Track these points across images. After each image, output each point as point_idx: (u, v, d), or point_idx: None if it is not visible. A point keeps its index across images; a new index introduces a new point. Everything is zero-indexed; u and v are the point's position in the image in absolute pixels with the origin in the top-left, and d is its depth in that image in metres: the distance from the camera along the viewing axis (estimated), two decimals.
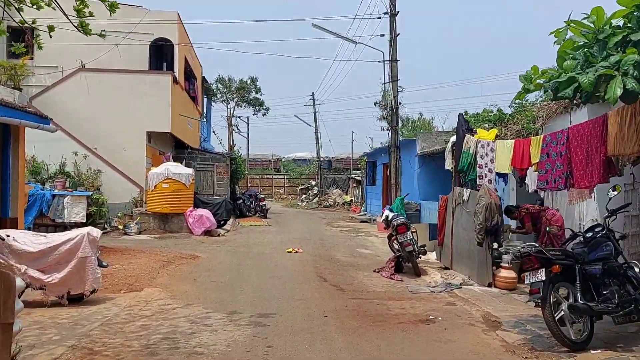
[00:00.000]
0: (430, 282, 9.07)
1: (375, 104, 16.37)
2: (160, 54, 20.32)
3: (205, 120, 30.19)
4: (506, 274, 8.32)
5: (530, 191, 8.98)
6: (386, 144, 32.72)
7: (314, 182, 41.43)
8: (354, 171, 43.33)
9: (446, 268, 9.91)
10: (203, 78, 26.83)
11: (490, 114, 11.86)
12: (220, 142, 29.46)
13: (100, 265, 7.27)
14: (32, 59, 17.24)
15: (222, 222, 18.06)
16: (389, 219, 10.51)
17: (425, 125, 35.63)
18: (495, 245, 8.71)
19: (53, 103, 16.85)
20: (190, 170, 16.16)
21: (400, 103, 16.37)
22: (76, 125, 16.64)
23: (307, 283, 8.86)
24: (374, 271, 9.92)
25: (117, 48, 16.93)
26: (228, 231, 17.77)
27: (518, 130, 9.51)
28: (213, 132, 30.03)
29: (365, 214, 23.96)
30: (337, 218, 25.38)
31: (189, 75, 22.85)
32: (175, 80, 18.21)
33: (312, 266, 10.50)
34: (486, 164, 8.84)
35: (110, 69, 17.41)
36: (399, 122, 16.53)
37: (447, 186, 18.17)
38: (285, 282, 8.88)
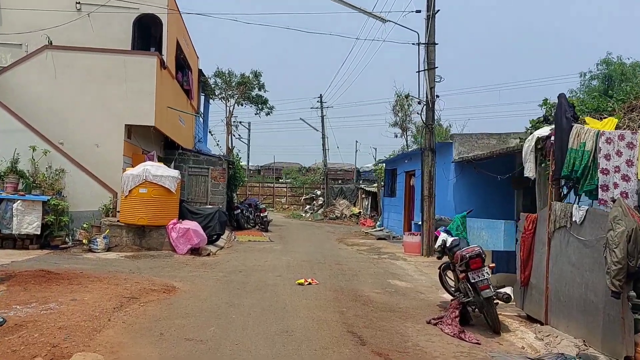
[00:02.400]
0: (524, 348, 5.88)
1: (407, 97, 13.12)
2: (147, 36, 17.25)
3: (201, 118, 27.10)
4: None
5: None
6: (400, 151, 29.64)
7: (319, 192, 38.31)
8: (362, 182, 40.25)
9: (535, 321, 6.72)
10: (200, 71, 23.77)
11: (588, 100, 8.66)
12: (218, 144, 26.38)
13: None
14: None
15: (215, 237, 14.91)
16: (448, 245, 7.34)
17: (442, 133, 32.54)
18: (634, 295, 5.56)
19: (11, 86, 13.77)
20: (175, 173, 13.00)
21: (437, 96, 13.30)
22: (37, 114, 13.54)
23: (336, 347, 5.66)
24: (429, 322, 6.73)
25: (90, 22, 13.90)
26: (221, 248, 14.58)
27: None
28: (210, 132, 26.92)
29: (382, 229, 20.78)
30: (348, 233, 22.17)
31: (182, 64, 19.79)
32: (162, 65, 15.11)
33: (336, 310, 7.30)
34: (617, 167, 5.70)
35: (83, 47, 14.33)
36: (434, 119, 13.38)
37: (490, 199, 15.03)
38: (300, 345, 5.69)
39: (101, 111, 14.22)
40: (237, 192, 34.34)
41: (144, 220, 12.37)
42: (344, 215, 33.27)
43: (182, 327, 6.19)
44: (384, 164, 23.47)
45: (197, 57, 23.46)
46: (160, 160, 19.87)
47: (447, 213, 14.63)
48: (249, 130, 53.88)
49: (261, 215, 22.03)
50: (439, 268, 8.05)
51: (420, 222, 15.27)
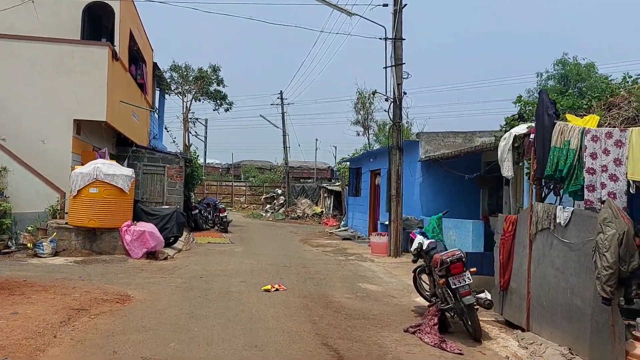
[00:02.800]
0: (508, 358, 5.55)
1: (373, 94, 12.76)
2: (98, 26, 16.21)
3: (156, 114, 26.01)
4: None
5: None
6: (363, 150, 29.36)
7: (280, 191, 37.68)
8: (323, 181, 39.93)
9: (515, 327, 6.43)
10: (155, 64, 22.75)
11: (567, 97, 8.44)
12: (174, 141, 25.34)
13: None
14: None
15: (172, 240, 14.13)
16: (425, 248, 6.97)
17: (404, 132, 32.52)
18: (622, 301, 5.32)
19: None
20: (129, 171, 12.17)
21: (405, 93, 12.99)
22: None
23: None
24: (407, 331, 6.33)
25: (35, 9, 12.89)
26: (179, 251, 13.84)
27: (631, 118, 6.19)
28: (165, 128, 25.88)
29: (346, 229, 20.41)
30: (311, 233, 21.70)
31: (136, 56, 18.80)
32: (115, 56, 14.20)
33: (307, 320, 6.80)
34: (604, 167, 5.43)
35: (28, 36, 13.28)
36: (401, 117, 13.08)
37: (456, 199, 14.83)
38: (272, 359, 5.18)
39: (48, 105, 13.22)
40: (195, 192, 33.35)
41: (94, 222, 11.51)
42: (305, 214, 32.80)
43: (138, 343, 5.56)
44: (348, 163, 23.13)
45: (152, 50, 22.44)
46: (112, 157, 18.72)
47: (414, 213, 14.40)
48: (206, 127, 52.72)
49: (220, 215, 21.28)
50: (414, 271, 7.68)
51: (387, 222, 14.96)
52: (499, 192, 13.79)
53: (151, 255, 11.96)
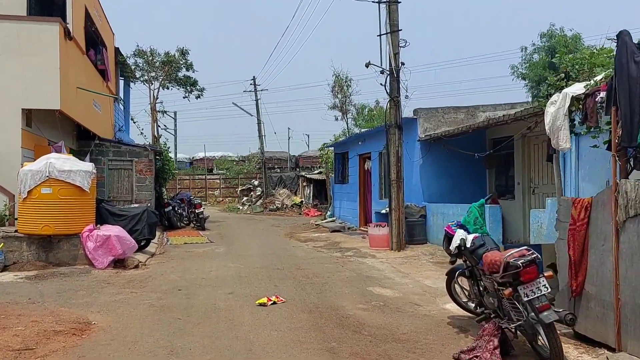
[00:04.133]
0: None
1: (367, 66, 11.10)
2: (49, 3, 14.18)
3: (121, 105, 23.92)
4: None
5: None
6: (342, 137, 27.81)
7: (256, 182, 35.96)
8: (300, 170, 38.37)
9: (597, 344, 5.00)
10: (117, 50, 20.67)
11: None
12: (142, 133, 23.35)
13: None
14: None
15: (144, 243, 12.39)
16: (469, 245, 5.48)
17: (384, 115, 31.13)
18: None
19: None
20: (88, 166, 10.35)
21: (402, 64, 11.46)
22: None
23: None
24: (458, 358, 4.84)
25: None
26: (153, 255, 12.12)
27: None
28: (132, 119, 23.83)
29: (333, 220, 18.90)
30: (295, 226, 20.13)
31: (95, 39, 16.79)
32: (68, 35, 12.27)
33: (323, 347, 5.25)
34: None
35: None
36: (399, 91, 11.56)
37: (460, 181, 13.43)
38: None
39: None
40: (167, 187, 31.36)
41: (49, 228, 9.70)
42: (285, 205, 31.23)
43: None
44: (332, 148, 21.56)
45: (113, 34, 20.35)
46: (73, 152, 16.81)
47: (414, 199, 12.97)
48: (175, 119, 50.40)
49: (196, 211, 19.52)
50: (448, 274, 6.22)
51: (383, 211, 13.53)
52: (507, 172, 12.48)
53: (119, 263, 10.24)
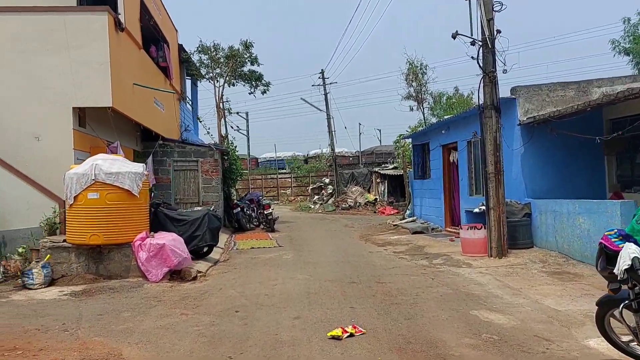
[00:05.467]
0: None
1: (454, 36, 9.23)
2: None
3: (189, 104, 23.27)
4: None
5: None
6: (420, 127, 25.63)
7: (327, 180, 34.56)
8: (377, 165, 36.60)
9: None
10: (180, 47, 19.92)
11: None
12: (208, 132, 22.57)
13: None
14: None
15: (206, 250, 11.27)
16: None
17: (464, 102, 28.75)
18: None
19: None
20: (138, 167, 9.23)
21: (498, 31, 9.48)
22: None
23: None
24: None
25: None
26: (216, 263, 10.96)
27: None
28: (198, 119, 23.12)
29: (414, 219, 17.02)
30: (370, 226, 18.46)
31: (155, 35, 16.01)
32: (118, 25, 11.33)
33: None
34: None
35: (4, 7, 10.57)
36: (495, 64, 9.56)
37: (570, 172, 11.12)
38: None
39: (37, 92, 10.54)
40: (238, 187, 30.68)
41: (97, 237, 8.67)
42: (357, 203, 29.60)
43: None
44: (410, 139, 19.63)
45: (176, 30, 19.64)
46: (137, 154, 16.20)
47: (513, 195, 10.91)
48: (247, 120, 50.10)
49: (265, 212, 18.34)
50: (599, 304, 4.34)
51: (475, 210, 11.58)
52: (634, 159, 10.15)
53: (176, 275, 9.08)
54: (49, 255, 8.68)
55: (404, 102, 30.37)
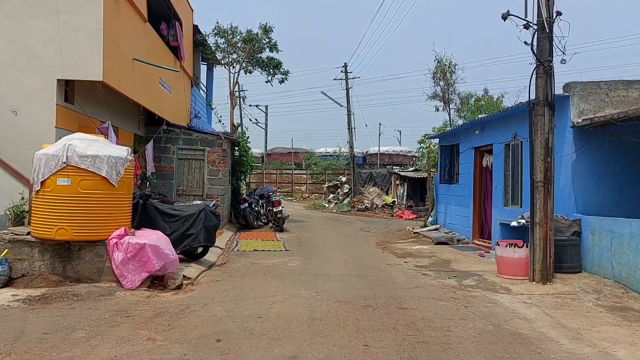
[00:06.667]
0: None
1: (504, 17, 7.64)
2: None
3: (203, 91, 21.88)
4: None
5: None
6: (447, 128, 23.92)
7: (344, 178, 33.04)
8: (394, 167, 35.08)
9: None
10: (195, 28, 18.54)
11: None
12: (220, 120, 21.21)
13: None
14: None
15: (201, 250, 9.86)
16: None
17: (494, 105, 26.94)
18: None
19: None
20: (120, 151, 7.80)
21: (559, 13, 7.87)
22: None
23: None
24: None
25: None
26: (210, 267, 9.55)
27: None
28: (210, 106, 21.76)
29: (437, 228, 15.40)
30: (388, 232, 16.92)
31: (165, 10, 14.65)
32: None
33: None
34: None
35: None
36: (552, 52, 7.93)
37: (631, 186, 9.51)
38: None
39: (20, 58, 9.25)
40: (250, 181, 29.29)
41: (65, 232, 7.28)
42: (374, 205, 28.05)
43: None
44: (437, 139, 18.01)
45: (192, 10, 18.29)
46: (139, 140, 14.89)
47: (560, 209, 9.25)
48: (266, 113, 48.74)
49: (274, 210, 16.88)
50: None
51: (512, 223, 9.96)
52: None
53: (158, 281, 7.67)
54: (7, 250, 7.33)
55: (429, 101, 28.74)
